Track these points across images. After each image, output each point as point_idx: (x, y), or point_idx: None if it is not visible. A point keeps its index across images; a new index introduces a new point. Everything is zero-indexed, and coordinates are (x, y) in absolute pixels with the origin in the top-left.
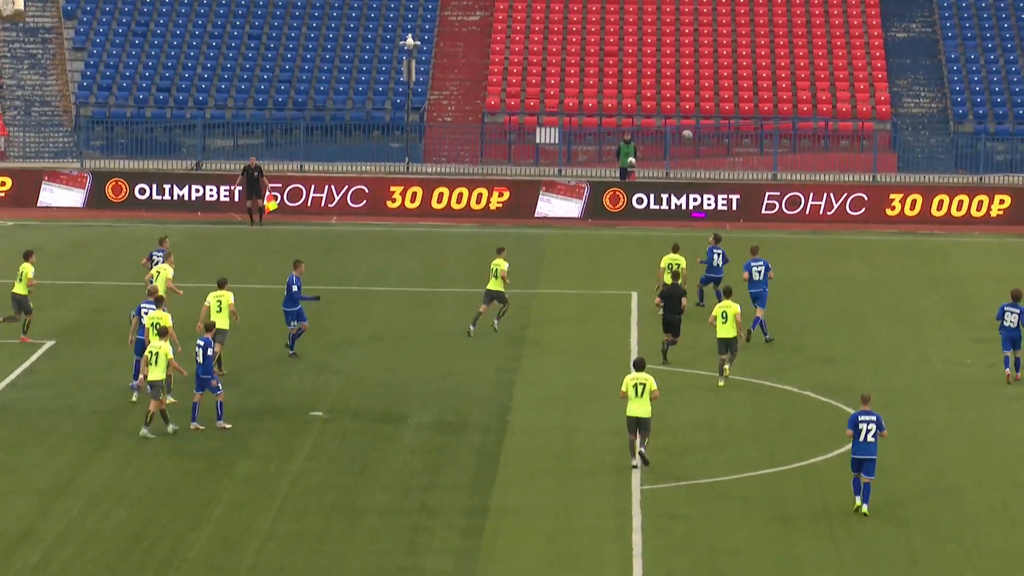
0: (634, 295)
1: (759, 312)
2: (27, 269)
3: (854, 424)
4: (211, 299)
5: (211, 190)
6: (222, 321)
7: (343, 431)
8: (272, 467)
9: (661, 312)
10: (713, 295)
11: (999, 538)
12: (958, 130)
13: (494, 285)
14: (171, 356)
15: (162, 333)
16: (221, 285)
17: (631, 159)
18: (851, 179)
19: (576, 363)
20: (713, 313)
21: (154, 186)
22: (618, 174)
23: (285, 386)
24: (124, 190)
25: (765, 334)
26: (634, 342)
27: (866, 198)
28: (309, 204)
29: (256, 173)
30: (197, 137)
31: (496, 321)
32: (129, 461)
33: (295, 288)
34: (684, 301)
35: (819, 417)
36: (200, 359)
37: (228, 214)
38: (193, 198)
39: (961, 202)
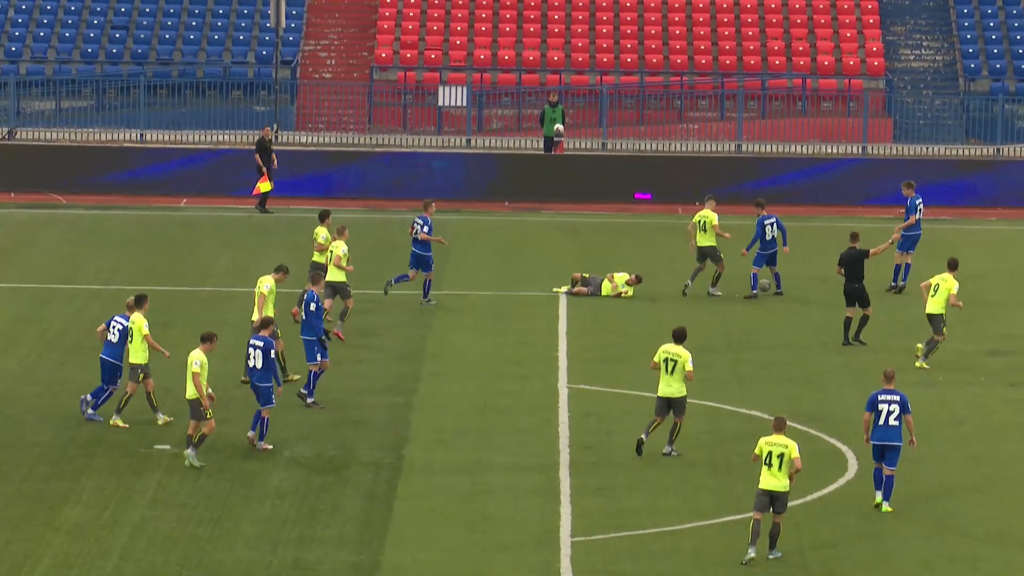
0: (562, 297)
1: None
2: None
3: (873, 405)
4: (261, 285)
5: (26, 165)
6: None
7: (196, 469)
8: (107, 515)
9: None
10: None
11: None
12: (969, 89)
13: (704, 240)
14: (197, 370)
15: (205, 339)
16: (283, 273)
17: (558, 126)
18: (835, 151)
19: (489, 383)
20: (928, 281)
21: None
22: (542, 145)
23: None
24: None
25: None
26: (563, 356)
27: (854, 175)
28: (151, 183)
29: (270, 148)
30: (8, 98)
31: (713, 288)
32: None
33: (313, 308)
34: (870, 254)
35: None
36: (258, 363)
37: (49, 195)
38: (4, 175)
39: (973, 180)
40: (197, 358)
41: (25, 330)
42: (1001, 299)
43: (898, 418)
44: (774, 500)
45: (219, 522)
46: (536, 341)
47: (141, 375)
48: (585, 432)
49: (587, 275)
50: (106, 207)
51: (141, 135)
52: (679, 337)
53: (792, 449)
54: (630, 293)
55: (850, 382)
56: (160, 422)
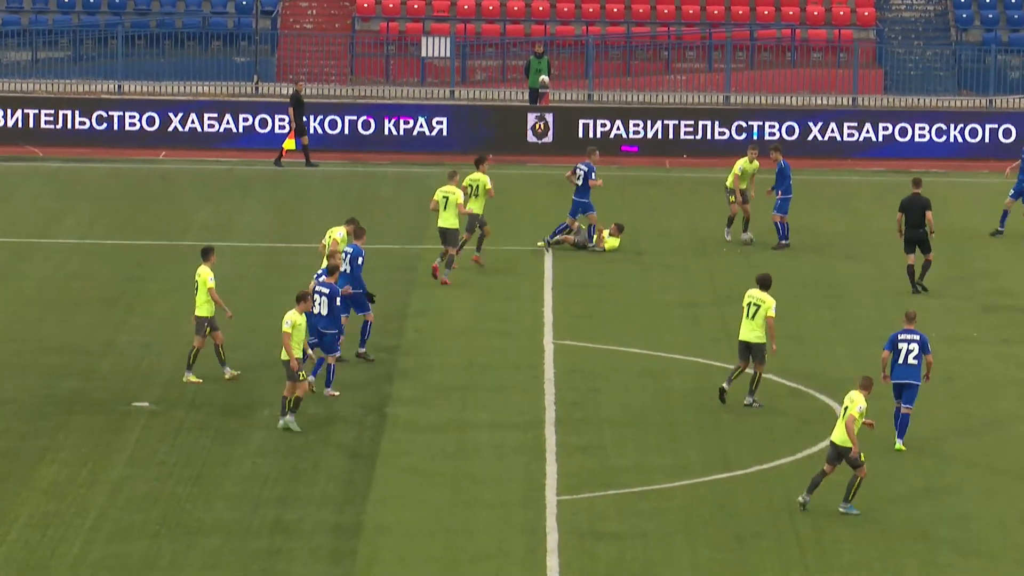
0: (548, 252)
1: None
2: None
3: (893, 344)
4: (328, 237)
5: (2, 117)
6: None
7: (176, 427)
8: (84, 473)
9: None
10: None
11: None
12: (961, 39)
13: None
14: (288, 330)
15: (300, 298)
16: (353, 224)
17: (543, 77)
18: (824, 102)
19: (473, 340)
20: None
21: None
22: (527, 96)
23: (100, 369)
24: None
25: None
26: (548, 311)
27: (844, 127)
28: (129, 135)
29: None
30: None
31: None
32: None
33: (360, 262)
34: (929, 215)
35: (784, 408)
36: (323, 310)
37: (25, 147)
38: None
39: (965, 132)
40: (289, 318)
41: (2, 286)
42: (993, 254)
43: (917, 357)
44: (838, 452)
45: (199, 481)
46: (521, 297)
47: (208, 328)
48: (571, 389)
49: (584, 227)
50: (84, 160)
51: (119, 86)
52: (764, 283)
53: (852, 406)
54: (615, 244)
55: (840, 339)
56: (227, 376)
